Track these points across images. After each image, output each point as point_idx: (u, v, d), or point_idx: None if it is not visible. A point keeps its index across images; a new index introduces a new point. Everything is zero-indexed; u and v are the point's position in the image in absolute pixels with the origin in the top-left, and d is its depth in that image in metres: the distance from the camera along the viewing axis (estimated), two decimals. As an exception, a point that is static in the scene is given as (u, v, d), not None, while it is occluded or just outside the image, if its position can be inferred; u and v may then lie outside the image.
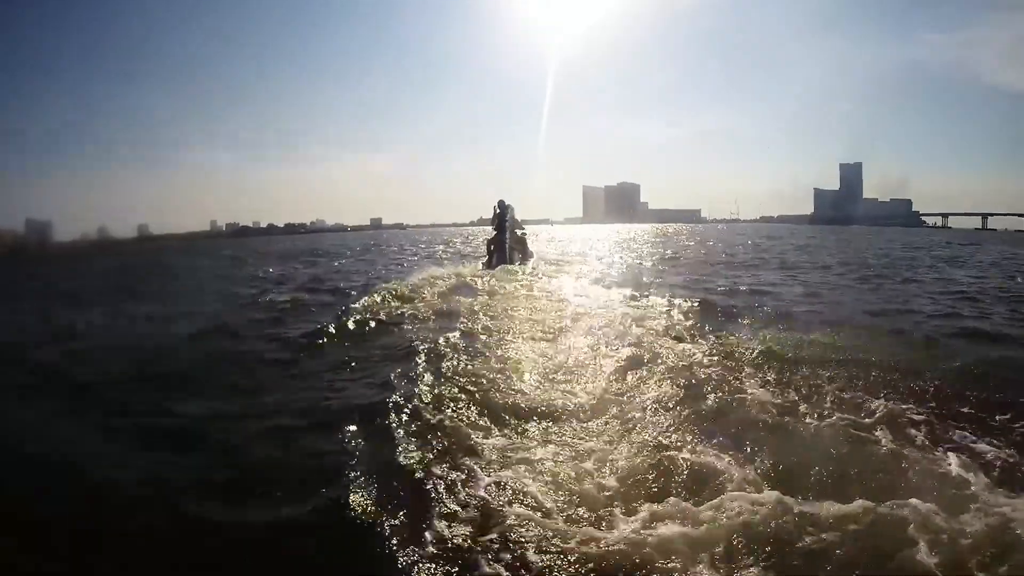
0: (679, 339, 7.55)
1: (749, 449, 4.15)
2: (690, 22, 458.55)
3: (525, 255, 19.06)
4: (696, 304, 10.07)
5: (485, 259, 18.70)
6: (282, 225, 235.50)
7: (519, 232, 19.13)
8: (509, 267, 16.53)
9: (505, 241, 17.67)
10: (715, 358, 6.47)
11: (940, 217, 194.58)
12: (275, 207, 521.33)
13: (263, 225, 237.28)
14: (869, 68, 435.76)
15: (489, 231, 19.40)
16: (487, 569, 2.86)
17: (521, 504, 3.44)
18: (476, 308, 9.89)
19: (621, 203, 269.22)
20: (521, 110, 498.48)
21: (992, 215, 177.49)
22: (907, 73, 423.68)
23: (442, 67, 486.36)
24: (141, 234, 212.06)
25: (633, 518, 3.33)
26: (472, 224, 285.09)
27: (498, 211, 18.17)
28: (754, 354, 6.53)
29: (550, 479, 3.76)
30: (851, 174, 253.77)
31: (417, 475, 3.72)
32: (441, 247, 43.42)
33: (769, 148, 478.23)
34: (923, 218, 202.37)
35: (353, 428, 4.52)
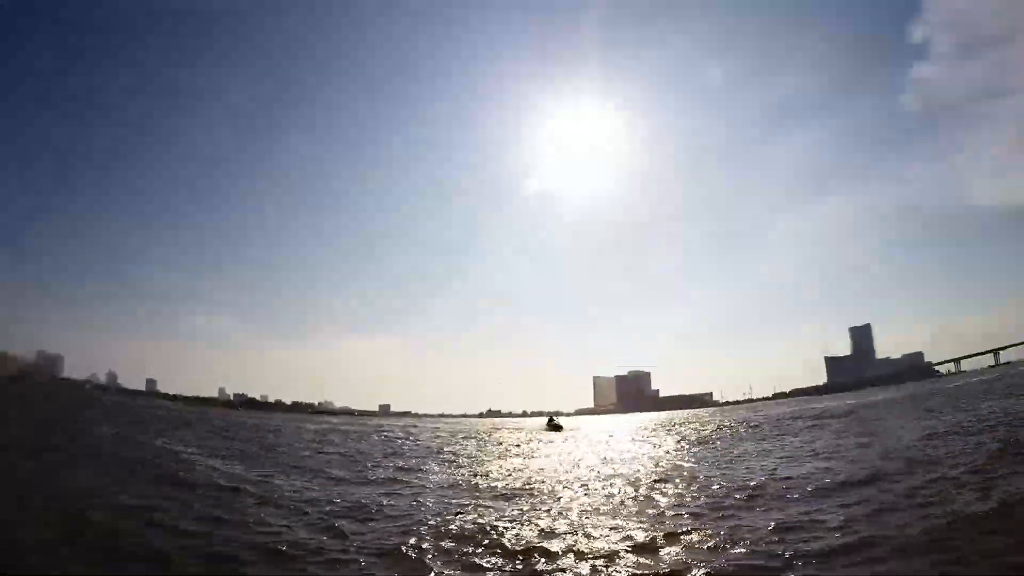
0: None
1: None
2: (683, 206, 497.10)
3: (561, 429, 50.12)
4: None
5: (546, 427, 52.03)
6: (289, 403, 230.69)
7: (556, 420, 56.36)
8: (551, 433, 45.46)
9: (552, 426, 52.23)
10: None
11: (953, 363, 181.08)
12: (283, 381, 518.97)
13: (271, 400, 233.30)
14: (865, 217, 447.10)
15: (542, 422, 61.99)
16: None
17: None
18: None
19: (632, 392, 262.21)
20: (529, 305, 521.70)
21: (1003, 348, 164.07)
22: (902, 213, 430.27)
23: (453, 259, 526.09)
24: (149, 389, 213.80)
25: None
26: (481, 415, 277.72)
27: (551, 418, 56.32)
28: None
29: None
30: (861, 336, 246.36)
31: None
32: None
33: (776, 322, 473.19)
34: (936, 367, 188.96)
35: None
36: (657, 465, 17.21)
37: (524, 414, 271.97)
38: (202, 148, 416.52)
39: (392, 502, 11.49)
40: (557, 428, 52.78)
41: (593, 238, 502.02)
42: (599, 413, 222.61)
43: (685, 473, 14.89)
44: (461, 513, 10.25)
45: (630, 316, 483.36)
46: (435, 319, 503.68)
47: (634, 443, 27.95)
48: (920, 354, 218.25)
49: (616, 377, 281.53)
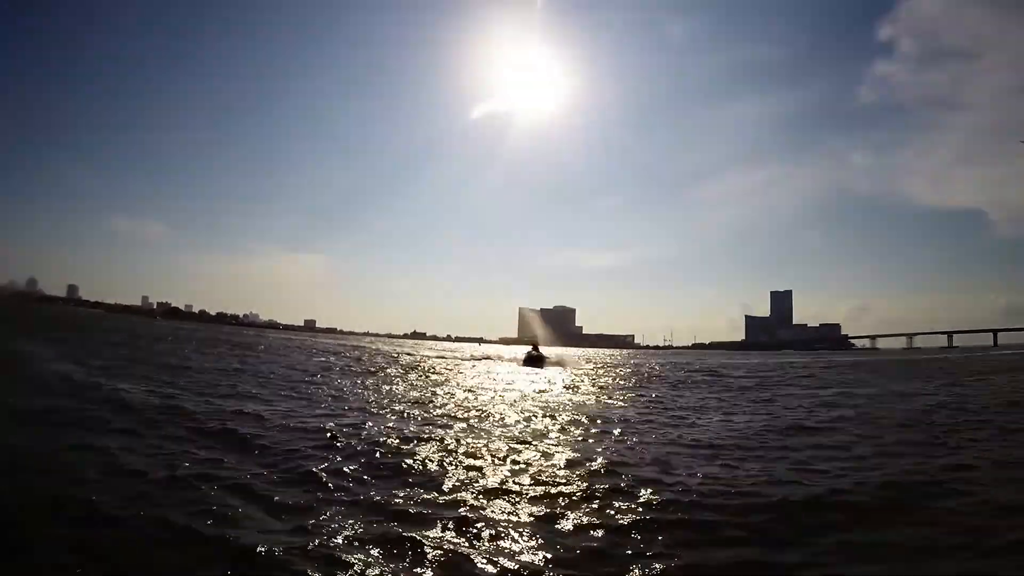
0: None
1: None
2: (626, 152, 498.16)
3: (542, 362, 42.89)
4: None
5: (524, 358, 44.36)
6: (214, 313, 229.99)
7: (538, 352, 45.60)
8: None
9: (531, 356, 43.65)
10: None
11: (869, 339, 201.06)
12: (209, 291, 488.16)
13: (195, 310, 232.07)
14: (802, 191, 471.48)
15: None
16: None
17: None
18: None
19: (556, 326, 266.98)
20: (459, 231, 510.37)
21: (916, 334, 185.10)
22: (839, 196, 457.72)
23: (389, 178, 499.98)
24: (70, 295, 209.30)
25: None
26: (405, 336, 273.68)
27: (530, 348, 45.87)
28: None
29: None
30: (781, 301, 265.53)
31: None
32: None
33: (703, 276, 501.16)
34: (852, 341, 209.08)
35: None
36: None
37: (448, 338, 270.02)
38: (131, 44, 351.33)
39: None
40: (537, 361, 42.00)
41: (532, 172, 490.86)
42: (523, 344, 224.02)
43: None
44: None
45: (559, 252, 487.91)
46: (363, 239, 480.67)
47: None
48: (837, 326, 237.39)
49: (541, 310, 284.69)
